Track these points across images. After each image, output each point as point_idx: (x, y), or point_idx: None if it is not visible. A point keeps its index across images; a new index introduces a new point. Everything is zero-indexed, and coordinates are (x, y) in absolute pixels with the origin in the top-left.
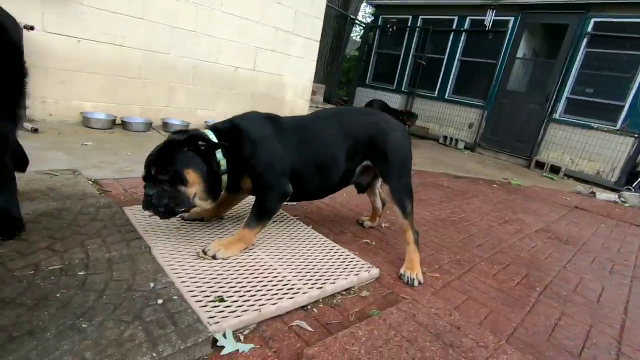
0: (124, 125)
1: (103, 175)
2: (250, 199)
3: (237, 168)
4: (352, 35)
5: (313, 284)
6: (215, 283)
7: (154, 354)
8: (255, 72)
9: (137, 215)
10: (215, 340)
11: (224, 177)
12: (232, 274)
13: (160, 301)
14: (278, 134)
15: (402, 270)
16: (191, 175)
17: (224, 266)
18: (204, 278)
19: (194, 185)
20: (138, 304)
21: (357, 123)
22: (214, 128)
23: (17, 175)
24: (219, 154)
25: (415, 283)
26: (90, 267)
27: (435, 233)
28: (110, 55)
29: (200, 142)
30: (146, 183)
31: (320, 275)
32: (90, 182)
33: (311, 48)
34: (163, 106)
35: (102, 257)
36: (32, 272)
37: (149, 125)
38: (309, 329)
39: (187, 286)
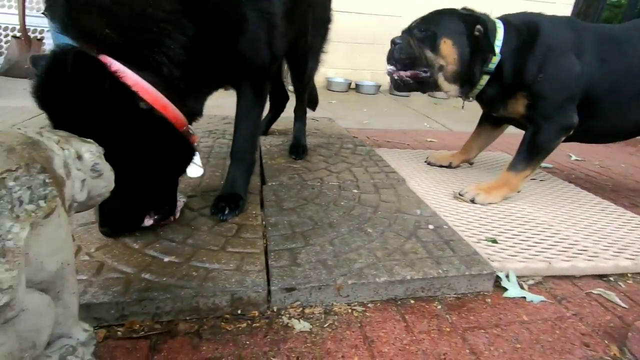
0: (357, 88)
1: (348, 125)
2: (494, 159)
3: (513, 78)
4: None
5: (616, 252)
6: (480, 224)
7: (440, 271)
8: None
9: (386, 156)
10: (496, 279)
11: (485, 77)
12: (497, 220)
13: (431, 227)
14: (578, 46)
15: None
16: (446, 47)
17: (484, 211)
18: (467, 217)
19: (444, 58)
20: (410, 224)
21: None
22: (506, 20)
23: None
24: (497, 47)
25: None
26: (361, 188)
27: None
28: (351, 23)
29: (477, 27)
30: (401, 34)
31: (624, 246)
32: (343, 128)
33: None
34: None
35: (368, 182)
36: (319, 183)
37: (377, 88)
38: (621, 303)
39: (452, 221)
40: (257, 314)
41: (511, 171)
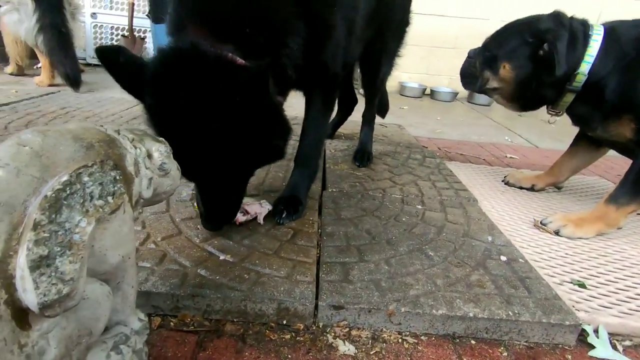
0: (432, 94)
1: (419, 134)
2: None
3: (617, 98)
4: None
5: None
6: (565, 263)
7: (510, 313)
8: None
9: (458, 170)
10: (581, 333)
11: (570, 95)
12: (587, 260)
13: (503, 258)
14: None
15: None
16: (505, 71)
17: (571, 247)
18: (548, 252)
19: (500, 81)
20: (478, 252)
21: None
22: (611, 29)
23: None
24: (586, 63)
25: None
26: (426, 204)
27: None
28: (430, 26)
29: (544, 47)
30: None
31: None
32: (413, 137)
33: None
34: None
35: (434, 198)
36: (381, 195)
37: (454, 96)
38: None
39: (529, 254)
40: (302, 327)
41: (611, 204)
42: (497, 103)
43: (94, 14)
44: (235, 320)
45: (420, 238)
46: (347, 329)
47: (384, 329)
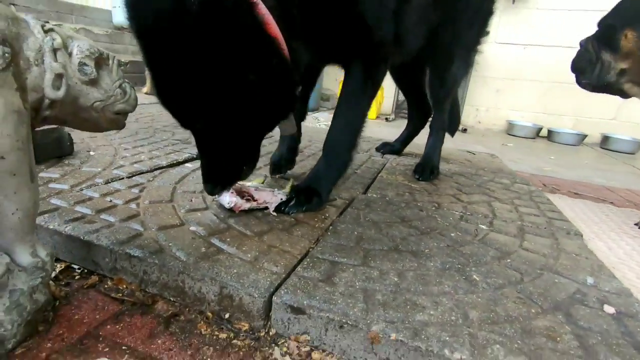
0: (550, 135)
1: (519, 168)
2: None
3: None
4: None
5: None
6: None
7: None
8: None
9: (563, 204)
10: None
11: None
12: None
13: (609, 310)
14: None
15: None
16: (627, 42)
17: None
18: None
19: (625, 57)
20: (563, 292)
21: None
22: None
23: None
24: None
25: None
26: (495, 226)
27: None
28: (551, 60)
29: None
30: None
31: None
32: (507, 167)
33: None
34: (607, 119)
35: (511, 222)
36: (434, 207)
37: (581, 139)
38: None
39: None
40: (245, 328)
41: None
42: (632, 95)
43: None
44: (171, 299)
45: (467, 258)
46: (309, 347)
47: None
